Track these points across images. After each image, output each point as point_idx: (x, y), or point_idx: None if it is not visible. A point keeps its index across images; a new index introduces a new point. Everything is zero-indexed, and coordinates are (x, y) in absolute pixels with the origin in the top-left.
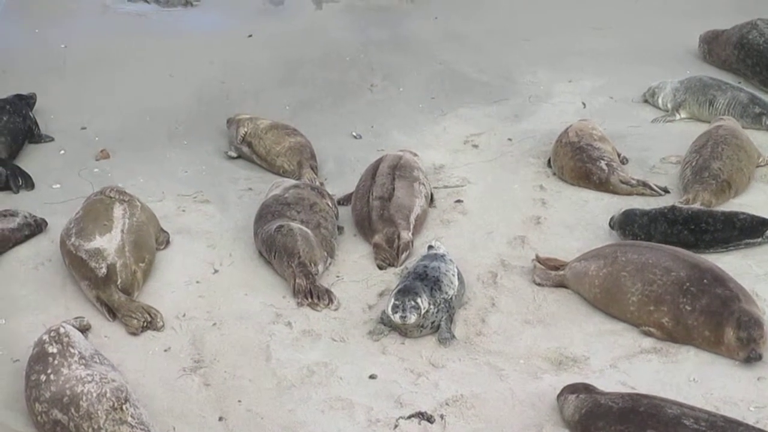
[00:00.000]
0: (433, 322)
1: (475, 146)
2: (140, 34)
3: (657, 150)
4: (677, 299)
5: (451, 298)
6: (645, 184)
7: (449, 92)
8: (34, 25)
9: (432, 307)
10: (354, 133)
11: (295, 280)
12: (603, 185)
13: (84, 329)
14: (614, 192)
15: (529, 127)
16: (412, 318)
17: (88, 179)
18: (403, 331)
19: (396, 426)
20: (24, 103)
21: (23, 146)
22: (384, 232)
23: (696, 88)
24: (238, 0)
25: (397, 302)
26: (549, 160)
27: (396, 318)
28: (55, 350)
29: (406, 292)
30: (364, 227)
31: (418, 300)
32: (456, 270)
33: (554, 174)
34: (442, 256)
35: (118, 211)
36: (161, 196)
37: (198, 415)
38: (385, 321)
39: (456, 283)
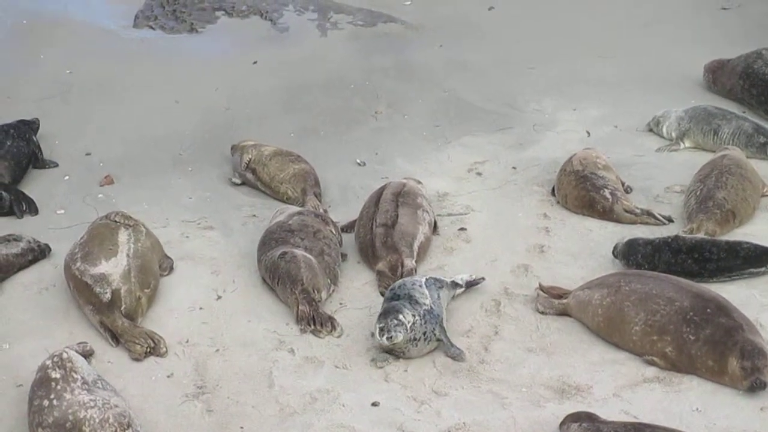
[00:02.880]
0: (425, 333)
1: (479, 174)
2: (145, 60)
3: (661, 179)
4: (680, 329)
5: (431, 308)
6: (649, 213)
7: (454, 120)
8: (39, 50)
9: (416, 317)
10: (358, 161)
11: (298, 306)
12: (607, 214)
13: (87, 354)
14: (618, 221)
15: (533, 155)
16: (399, 335)
17: (93, 205)
18: (398, 352)
19: None
20: (28, 128)
21: (27, 171)
22: (387, 260)
23: (700, 117)
24: (243, 27)
25: (381, 325)
26: (553, 189)
27: (384, 340)
28: (58, 375)
29: (387, 313)
30: (368, 254)
31: (401, 317)
32: (422, 281)
33: (558, 202)
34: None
35: (123, 236)
36: (165, 222)
37: None
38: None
39: (427, 292)
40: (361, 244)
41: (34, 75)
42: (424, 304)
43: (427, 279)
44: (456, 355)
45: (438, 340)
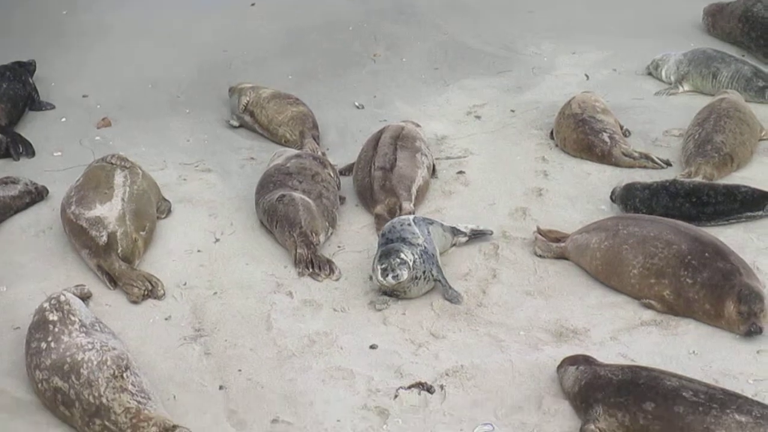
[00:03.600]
0: (424, 272)
1: (478, 117)
2: (142, 2)
3: (660, 123)
4: (678, 272)
5: (425, 246)
6: (647, 157)
7: (452, 63)
8: None
9: (415, 256)
10: (356, 104)
11: (296, 249)
12: (605, 157)
13: (85, 297)
14: (616, 164)
15: (532, 98)
16: (404, 273)
17: (90, 147)
18: (399, 292)
19: (396, 396)
20: (24, 69)
21: (24, 113)
22: (386, 203)
23: (699, 60)
24: None
25: (383, 266)
26: (552, 132)
27: (390, 279)
28: (55, 318)
29: (387, 254)
30: (366, 197)
31: (402, 255)
32: (409, 219)
33: (557, 146)
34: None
35: (119, 178)
36: (163, 165)
37: (198, 384)
38: (378, 289)
39: (417, 229)
40: (360, 187)
41: (29, 16)
42: (418, 243)
43: (414, 217)
44: (453, 298)
45: (436, 280)
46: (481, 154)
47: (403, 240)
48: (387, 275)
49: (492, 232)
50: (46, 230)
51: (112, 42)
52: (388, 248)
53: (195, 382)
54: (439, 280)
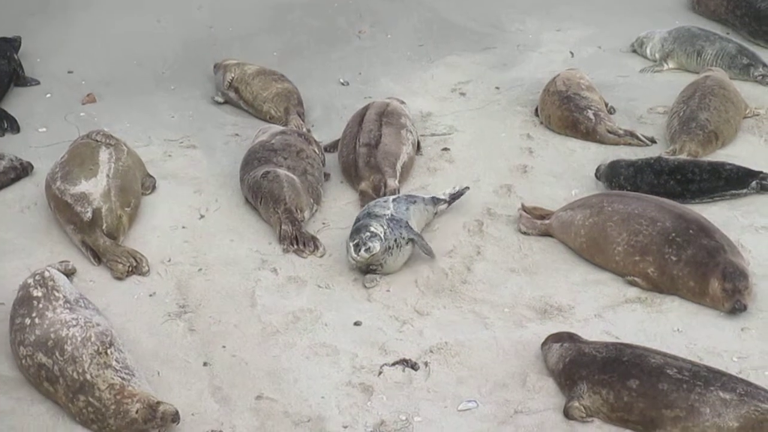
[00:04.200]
0: (396, 240)
1: (463, 94)
2: None
3: (644, 100)
4: (663, 249)
5: (392, 215)
6: (632, 134)
7: (437, 40)
8: None
9: (384, 227)
10: (341, 80)
11: (281, 226)
12: (590, 135)
13: (69, 273)
14: (601, 141)
15: (517, 75)
16: (376, 245)
17: (75, 123)
18: (376, 266)
19: (380, 373)
20: (9, 45)
21: (8, 89)
22: (370, 179)
23: (684, 38)
24: None
25: (354, 242)
26: (536, 109)
27: (363, 253)
28: (39, 294)
29: (357, 230)
30: (351, 174)
31: (372, 228)
32: (389, 198)
33: (541, 123)
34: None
35: (104, 155)
36: (148, 141)
37: (183, 360)
38: (357, 268)
39: (391, 205)
40: (344, 163)
41: None
42: (385, 214)
43: (398, 197)
44: (429, 252)
45: (410, 240)
46: (465, 131)
47: (369, 214)
48: (360, 250)
49: (468, 188)
50: (30, 206)
51: (98, 18)
52: (358, 225)
53: (179, 359)
54: (412, 239)
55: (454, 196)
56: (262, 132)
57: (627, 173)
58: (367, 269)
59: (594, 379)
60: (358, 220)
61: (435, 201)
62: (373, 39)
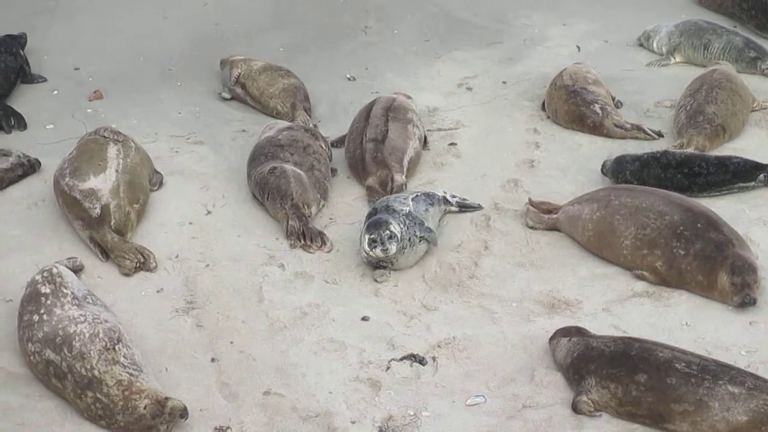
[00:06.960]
0: (410, 239)
1: (469, 89)
2: None
3: (651, 94)
4: (671, 243)
5: (409, 212)
6: (639, 128)
7: (444, 35)
8: None
9: (401, 226)
10: (348, 76)
11: (288, 221)
12: (597, 129)
13: (77, 270)
14: (608, 136)
15: (523, 70)
16: (393, 247)
17: (82, 120)
18: (386, 263)
19: (388, 368)
20: (15, 42)
21: (15, 86)
22: (377, 175)
23: (691, 32)
24: None
25: (373, 236)
26: (543, 104)
27: (378, 252)
28: (48, 290)
29: (376, 225)
30: (358, 169)
31: (391, 228)
32: (410, 196)
33: (548, 117)
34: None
35: (112, 151)
36: (154, 137)
37: (190, 356)
38: (367, 261)
39: (411, 203)
40: (351, 159)
41: None
42: (402, 210)
43: (417, 195)
44: (434, 241)
45: (422, 238)
46: (472, 126)
47: (388, 209)
48: (375, 247)
49: (482, 207)
50: (38, 203)
51: (104, 14)
52: (377, 219)
53: (187, 355)
54: (423, 236)
55: (462, 206)
56: (269, 128)
57: (633, 168)
58: (378, 264)
59: (602, 374)
60: (375, 211)
61: (446, 201)
62: (379, 34)
